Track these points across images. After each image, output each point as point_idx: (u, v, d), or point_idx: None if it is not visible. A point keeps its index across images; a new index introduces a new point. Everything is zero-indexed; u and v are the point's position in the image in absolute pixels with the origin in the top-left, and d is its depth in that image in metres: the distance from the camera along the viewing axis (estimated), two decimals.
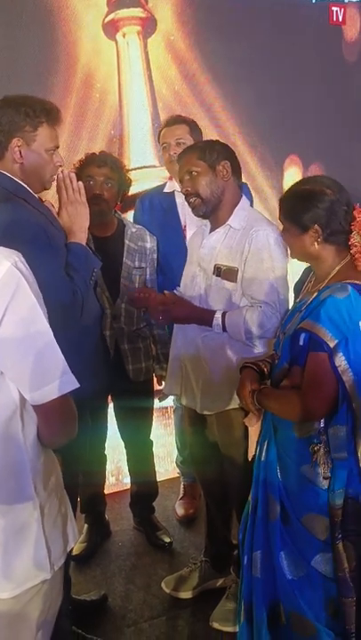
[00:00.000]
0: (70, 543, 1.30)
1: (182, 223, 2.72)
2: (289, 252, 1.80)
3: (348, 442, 1.59)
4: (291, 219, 1.69)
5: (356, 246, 1.66)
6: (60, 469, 1.33)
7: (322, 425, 1.62)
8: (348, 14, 3.59)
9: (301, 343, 1.62)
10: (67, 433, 1.23)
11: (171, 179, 2.76)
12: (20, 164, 1.76)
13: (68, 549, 1.30)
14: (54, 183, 1.89)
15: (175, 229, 2.68)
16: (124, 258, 2.54)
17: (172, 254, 2.63)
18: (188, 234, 2.69)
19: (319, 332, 1.56)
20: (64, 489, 1.33)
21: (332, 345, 1.54)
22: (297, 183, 1.78)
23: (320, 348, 1.56)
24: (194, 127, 2.67)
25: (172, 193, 2.74)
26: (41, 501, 1.20)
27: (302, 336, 1.62)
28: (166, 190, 2.76)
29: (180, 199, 2.71)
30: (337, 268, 1.68)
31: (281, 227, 1.80)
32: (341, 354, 1.55)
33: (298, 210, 1.67)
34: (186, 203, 2.68)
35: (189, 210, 2.67)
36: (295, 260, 1.87)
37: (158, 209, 2.71)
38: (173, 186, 2.73)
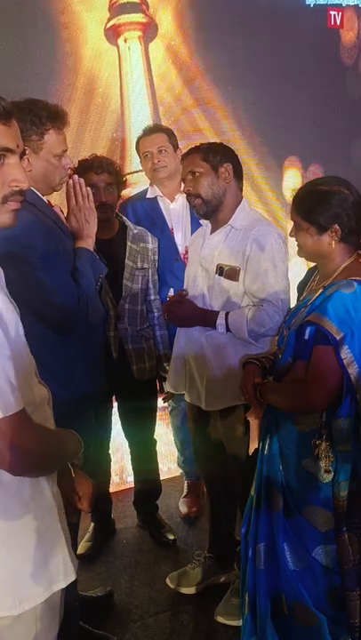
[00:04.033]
0: (57, 583, 1.20)
1: (169, 227, 2.77)
2: (296, 250, 1.82)
3: (352, 434, 1.63)
4: (309, 219, 1.71)
5: None
6: (48, 498, 1.22)
7: (323, 419, 1.66)
8: (346, 18, 3.63)
9: (307, 337, 1.66)
10: (19, 459, 1.08)
11: (152, 185, 2.80)
12: (28, 171, 1.76)
13: (55, 589, 1.20)
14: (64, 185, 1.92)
15: (164, 233, 2.73)
16: (126, 259, 2.57)
17: (165, 257, 2.69)
18: (176, 236, 2.75)
19: (326, 325, 1.60)
20: (55, 520, 1.23)
21: (338, 338, 1.59)
22: (311, 183, 1.81)
23: (326, 341, 1.61)
24: (171, 135, 2.73)
25: (155, 198, 2.79)
26: (3, 527, 1.13)
27: (308, 330, 1.66)
28: (149, 196, 2.81)
29: (163, 204, 2.77)
30: (343, 266, 1.72)
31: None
32: (347, 347, 1.59)
33: (318, 210, 1.69)
34: (170, 207, 2.74)
35: (174, 214, 2.74)
36: (297, 260, 1.91)
37: (143, 215, 2.75)
38: (155, 192, 2.78)
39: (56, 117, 1.78)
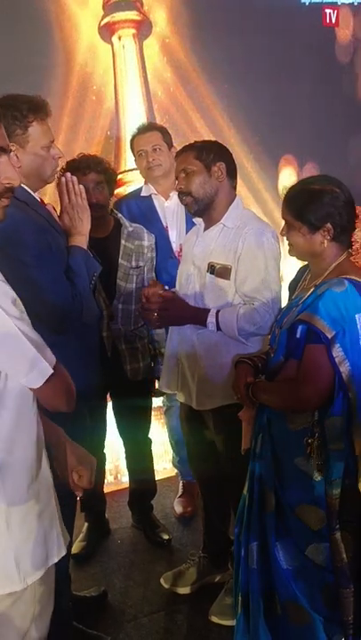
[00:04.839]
0: (52, 557, 1.28)
1: (164, 225, 2.76)
2: (287, 249, 1.82)
3: (345, 432, 1.62)
4: (301, 218, 1.70)
5: (358, 242, 1.70)
6: (47, 476, 1.30)
7: (316, 417, 1.66)
8: (341, 16, 3.63)
9: (298, 336, 1.66)
10: (66, 404, 1.31)
11: (146, 183, 2.79)
12: (18, 167, 1.76)
13: (50, 563, 1.28)
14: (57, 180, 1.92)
15: (158, 231, 2.72)
16: (120, 258, 2.55)
17: (159, 255, 2.68)
18: (171, 234, 2.75)
19: (317, 324, 1.60)
20: (52, 498, 1.31)
21: (330, 336, 1.59)
22: (303, 182, 1.80)
23: (318, 339, 1.61)
24: (165, 133, 2.72)
25: (149, 197, 2.78)
26: (8, 509, 1.19)
27: (300, 328, 1.65)
28: (143, 194, 2.80)
29: (157, 202, 2.76)
30: (334, 265, 1.72)
31: (278, 225, 1.82)
32: (339, 345, 1.59)
33: (310, 209, 1.68)
34: (165, 205, 2.73)
35: (169, 212, 2.74)
36: (291, 260, 1.90)
37: (137, 214, 2.74)
38: (149, 190, 2.78)
39: (37, 109, 1.76)
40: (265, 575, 1.73)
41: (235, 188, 2.21)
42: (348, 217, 1.70)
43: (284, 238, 1.81)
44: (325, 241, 1.70)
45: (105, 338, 2.52)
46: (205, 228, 2.20)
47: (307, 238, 1.71)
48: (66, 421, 1.49)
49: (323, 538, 1.65)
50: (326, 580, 1.66)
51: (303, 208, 1.69)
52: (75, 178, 1.92)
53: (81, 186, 1.93)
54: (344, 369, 1.59)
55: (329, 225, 1.68)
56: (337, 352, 1.59)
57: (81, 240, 1.90)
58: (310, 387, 1.64)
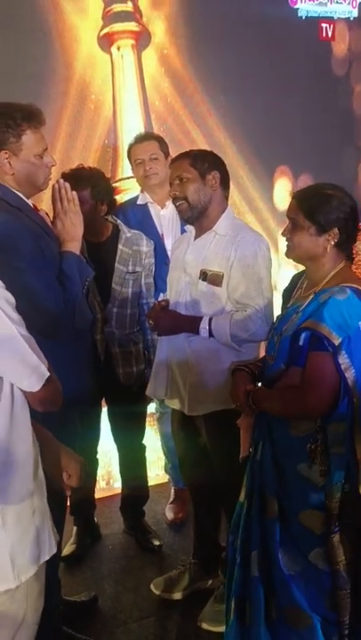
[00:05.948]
0: (44, 555, 1.32)
1: (159, 232, 2.79)
2: (285, 250, 1.81)
3: (347, 437, 1.64)
4: (312, 217, 1.71)
5: (360, 254, 1.73)
6: (42, 476, 1.34)
7: (318, 423, 1.67)
8: (337, 30, 3.67)
9: (301, 343, 1.67)
10: (56, 405, 1.38)
11: (143, 192, 2.83)
12: (11, 174, 1.79)
13: (43, 560, 1.32)
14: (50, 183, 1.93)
15: (154, 238, 2.74)
16: (116, 263, 2.58)
17: (155, 262, 2.71)
18: (166, 242, 2.77)
19: (323, 331, 1.61)
20: (44, 497, 1.35)
21: (336, 343, 1.60)
22: (317, 186, 1.82)
23: (322, 346, 1.62)
24: (162, 142, 2.77)
25: (145, 205, 2.81)
26: (4, 508, 1.22)
27: (303, 336, 1.67)
28: (139, 202, 2.83)
29: (153, 210, 2.79)
30: (332, 273, 1.73)
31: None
32: (344, 352, 1.61)
33: (322, 210, 1.70)
34: (160, 213, 2.76)
35: (164, 220, 2.77)
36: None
37: (134, 221, 2.77)
38: (146, 198, 2.81)
39: (31, 117, 1.78)
40: (266, 582, 1.73)
41: (227, 198, 2.25)
42: (353, 225, 1.73)
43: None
44: (329, 245, 1.71)
45: (98, 341, 2.54)
46: (196, 236, 2.23)
47: (312, 239, 1.72)
48: (56, 426, 1.51)
49: (325, 542, 1.66)
50: (329, 584, 1.67)
51: (316, 208, 1.71)
52: (67, 184, 1.95)
53: (74, 192, 1.95)
54: (349, 375, 1.61)
55: (336, 230, 1.70)
56: (343, 359, 1.61)
57: (74, 245, 1.92)
58: (315, 394, 1.64)
